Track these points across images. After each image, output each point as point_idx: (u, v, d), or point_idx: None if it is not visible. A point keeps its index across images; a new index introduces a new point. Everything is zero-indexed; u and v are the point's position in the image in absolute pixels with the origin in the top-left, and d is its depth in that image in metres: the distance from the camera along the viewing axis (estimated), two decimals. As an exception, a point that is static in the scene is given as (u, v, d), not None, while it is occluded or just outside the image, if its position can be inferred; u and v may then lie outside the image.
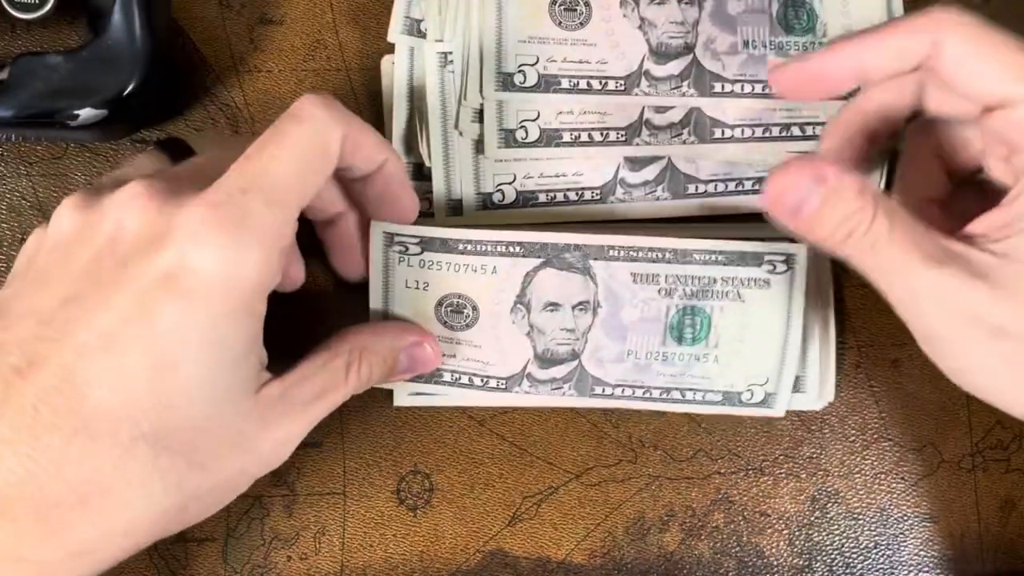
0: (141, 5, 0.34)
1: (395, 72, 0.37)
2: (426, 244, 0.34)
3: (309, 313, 0.37)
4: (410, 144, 0.37)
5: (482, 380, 0.36)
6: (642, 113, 0.37)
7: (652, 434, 0.38)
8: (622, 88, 0.37)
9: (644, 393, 0.36)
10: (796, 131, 0.38)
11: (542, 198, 0.37)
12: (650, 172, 0.37)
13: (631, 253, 0.34)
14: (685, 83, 0.37)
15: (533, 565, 0.38)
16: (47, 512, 0.26)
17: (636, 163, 0.38)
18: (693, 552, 0.38)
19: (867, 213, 0.29)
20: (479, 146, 0.37)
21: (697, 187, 0.38)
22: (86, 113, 0.34)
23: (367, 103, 0.38)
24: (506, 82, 0.36)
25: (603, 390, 0.36)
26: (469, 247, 0.34)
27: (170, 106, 0.38)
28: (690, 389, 0.36)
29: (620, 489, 0.38)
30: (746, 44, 0.37)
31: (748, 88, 0.37)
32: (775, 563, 0.38)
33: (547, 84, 0.36)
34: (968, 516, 0.39)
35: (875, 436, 0.39)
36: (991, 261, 0.29)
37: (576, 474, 0.38)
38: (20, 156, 0.38)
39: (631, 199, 0.38)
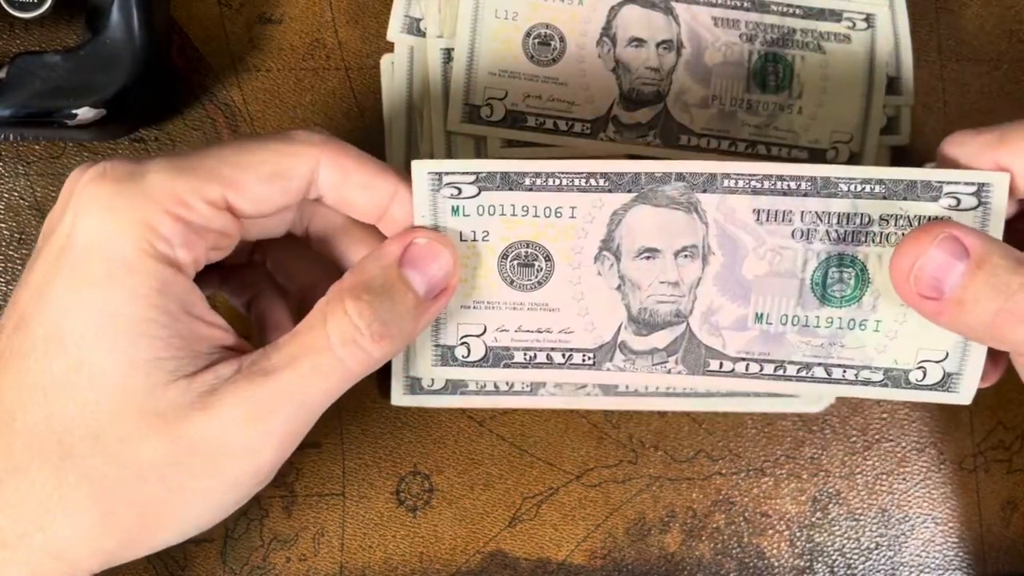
0: (139, 4, 0.34)
1: (395, 71, 0.37)
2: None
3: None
4: (410, 142, 0.37)
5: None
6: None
7: (653, 435, 0.38)
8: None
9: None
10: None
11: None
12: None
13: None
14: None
15: (533, 566, 0.38)
16: None
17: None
18: (694, 553, 0.38)
19: None
20: (480, 145, 0.37)
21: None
22: (84, 112, 0.34)
23: (366, 102, 0.38)
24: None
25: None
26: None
27: (169, 105, 0.38)
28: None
29: (621, 490, 0.38)
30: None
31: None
32: (776, 564, 0.38)
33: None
34: (970, 517, 0.39)
35: (876, 437, 0.39)
36: None
37: (576, 475, 0.38)
38: (18, 155, 0.38)
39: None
